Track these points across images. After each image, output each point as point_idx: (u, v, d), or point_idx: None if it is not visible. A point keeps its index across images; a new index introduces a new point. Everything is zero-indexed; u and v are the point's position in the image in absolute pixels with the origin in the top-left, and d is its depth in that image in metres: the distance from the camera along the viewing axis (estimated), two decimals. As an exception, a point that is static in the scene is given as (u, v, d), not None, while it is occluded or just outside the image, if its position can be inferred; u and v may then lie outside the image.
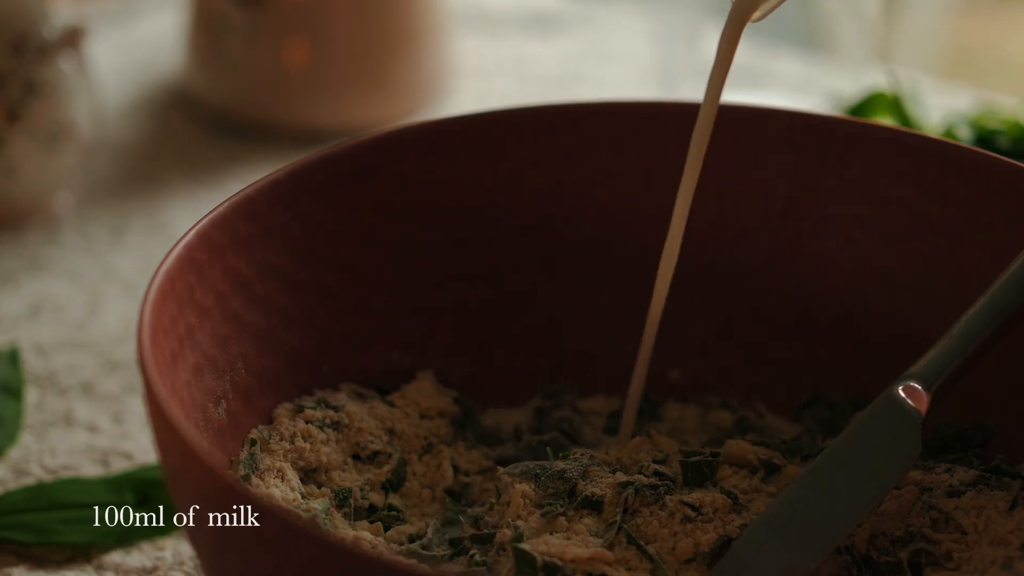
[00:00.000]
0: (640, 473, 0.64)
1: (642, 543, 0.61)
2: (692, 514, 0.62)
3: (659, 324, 0.68)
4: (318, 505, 0.63)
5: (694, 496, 0.63)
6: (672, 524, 0.62)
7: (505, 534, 0.61)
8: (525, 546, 0.59)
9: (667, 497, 0.63)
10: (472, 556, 0.62)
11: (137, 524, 0.71)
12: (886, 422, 0.62)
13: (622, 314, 0.73)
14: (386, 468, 0.67)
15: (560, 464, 0.64)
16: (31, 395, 0.81)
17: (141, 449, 0.77)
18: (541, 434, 0.70)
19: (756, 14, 0.63)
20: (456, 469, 0.68)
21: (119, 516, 0.71)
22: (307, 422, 0.66)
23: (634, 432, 0.70)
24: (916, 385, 0.62)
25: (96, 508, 0.72)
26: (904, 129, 0.71)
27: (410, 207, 0.71)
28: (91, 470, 0.75)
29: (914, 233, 0.69)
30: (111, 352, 0.84)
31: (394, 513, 0.65)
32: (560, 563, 0.59)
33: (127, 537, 0.71)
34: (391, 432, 0.68)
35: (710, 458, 0.64)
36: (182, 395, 0.61)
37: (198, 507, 0.56)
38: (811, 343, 0.71)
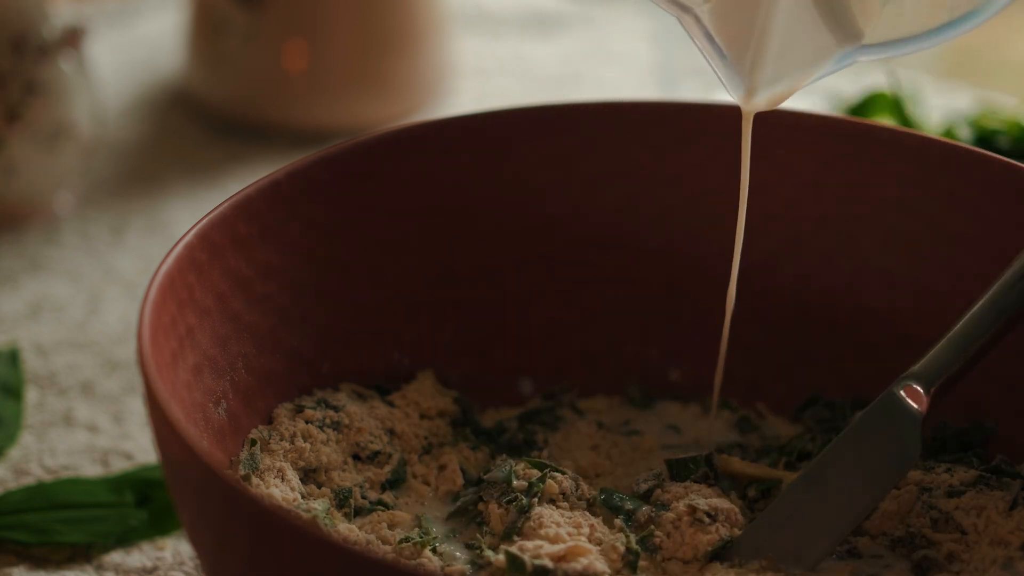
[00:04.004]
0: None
1: (633, 536, 0.62)
2: (692, 515, 0.62)
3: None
4: (318, 505, 0.63)
5: (696, 498, 0.63)
6: (681, 526, 0.62)
7: (491, 539, 0.62)
8: (514, 549, 0.60)
9: (666, 496, 0.64)
10: (473, 551, 0.62)
11: (137, 524, 0.71)
12: (886, 422, 0.62)
13: (622, 314, 0.73)
14: (386, 468, 0.67)
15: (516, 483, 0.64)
16: (31, 395, 0.81)
17: (141, 449, 0.77)
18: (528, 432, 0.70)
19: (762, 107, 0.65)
20: (464, 473, 0.68)
21: (119, 516, 0.71)
22: (307, 422, 0.66)
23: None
24: (916, 385, 0.62)
25: (96, 508, 0.72)
26: (904, 129, 0.71)
27: (410, 207, 0.71)
28: (91, 470, 0.75)
29: (914, 233, 0.69)
30: (111, 352, 0.84)
31: (380, 508, 0.65)
32: (551, 565, 0.59)
33: (127, 537, 0.71)
34: (391, 432, 0.68)
35: (696, 458, 0.65)
36: (182, 395, 0.61)
37: (198, 507, 0.56)
38: (811, 343, 0.71)
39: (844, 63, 0.63)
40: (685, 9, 0.63)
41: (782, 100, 0.64)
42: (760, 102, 0.64)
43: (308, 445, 0.65)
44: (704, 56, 0.64)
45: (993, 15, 0.61)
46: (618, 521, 0.63)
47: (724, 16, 0.63)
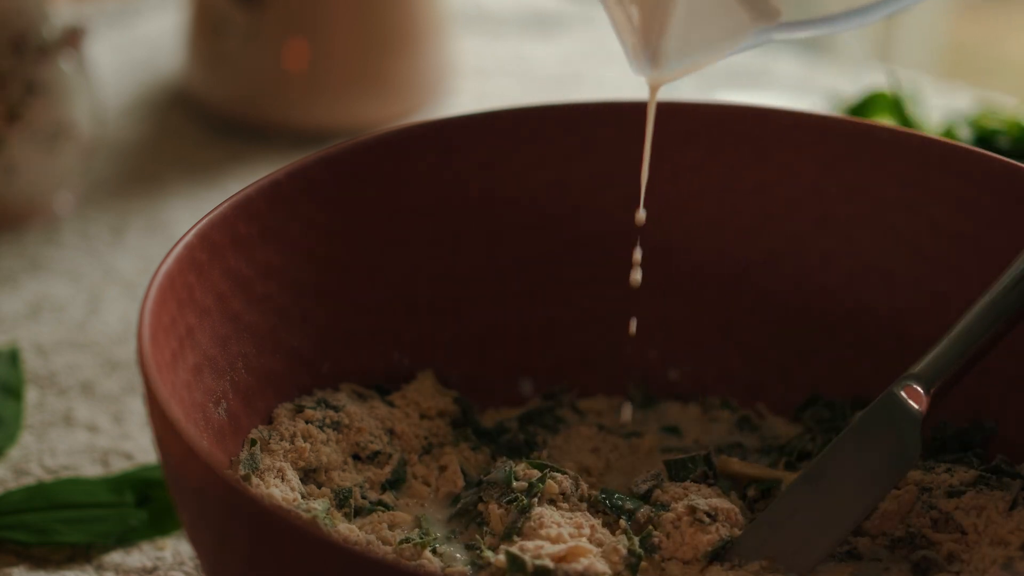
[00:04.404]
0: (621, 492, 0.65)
1: (634, 537, 0.62)
2: (692, 516, 0.62)
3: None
4: (318, 505, 0.63)
5: (696, 498, 0.63)
6: (681, 526, 0.62)
7: (491, 539, 0.62)
8: (514, 550, 0.60)
9: (666, 497, 0.64)
10: (473, 552, 0.62)
11: (137, 524, 0.71)
12: (886, 422, 0.62)
13: (622, 314, 0.73)
14: (387, 468, 0.67)
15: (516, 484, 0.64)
16: (31, 395, 0.81)
17: (141, 449, 0.77)
18: (528, 433, 0.70)
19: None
20: (465, 475, 0.67)
21: (119, 516, 0.71)
22: (307, 422, 0.66)
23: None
24: (916, 386, 0.62)
25: (96, 508, 0.72)
26: (904, 129, 0.71)
27: (410, 207, 0.71)
28: (91, 470, 0.75)
29: (914, 233, 0.69)
30: (111, 352, 0.84)
31: (381, 508, 0.65)
32: (552, 565, 0.59)
33: (127, 537, 0.71)
34: (391, 432, 0.68)
35: (695, 457, 0.65)
36: (182, 395, 0.61)
37: (198, 507, 0.56)
38: (811, 343, 0.71)
39: (759, 40, 0.62)
40: None
41: (688, 73, 0.64)
42: (665, 75, 0.64)
43: (308, 445, 0.65)
44: (613, 24, 0.63)
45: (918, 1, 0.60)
46: (622, 522, 0.63)
47: None
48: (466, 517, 0.65)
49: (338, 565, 0.51)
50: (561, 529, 0.61)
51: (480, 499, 0.65)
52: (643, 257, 0.72)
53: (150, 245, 0.93)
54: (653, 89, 0.65)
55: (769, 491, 0.65)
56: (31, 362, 0.83)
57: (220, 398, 0.64)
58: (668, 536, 0.62)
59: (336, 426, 0.67)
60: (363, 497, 0.65)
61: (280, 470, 0.64)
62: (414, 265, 0.71)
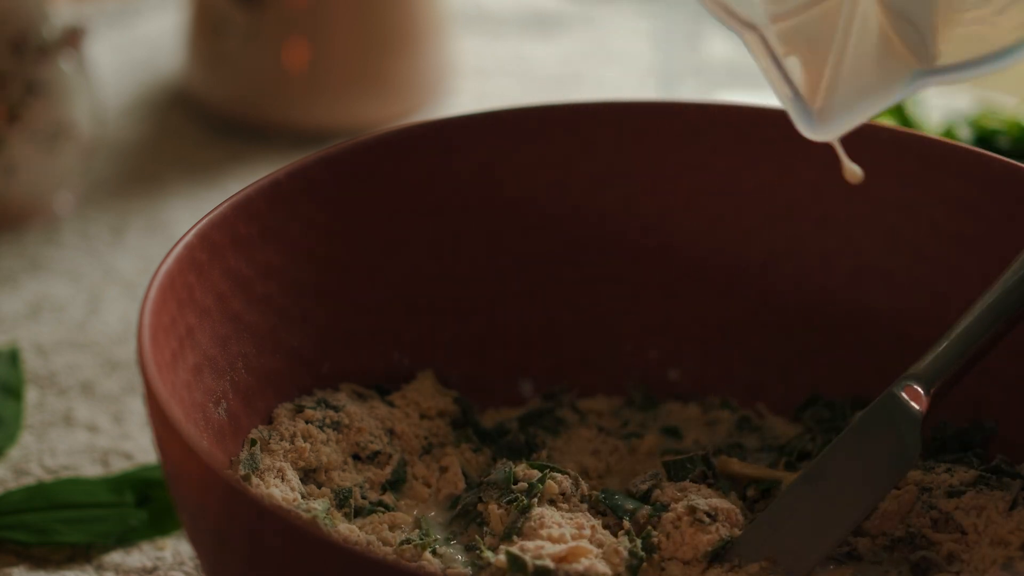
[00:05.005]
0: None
1: (635, 538, 0.61)
2: (692, 516, 0.62)
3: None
4: (318, 505, 0.63)
5: (695, 498, 0.63)
6: (681, 526, 0.62)
7: (491, 540, 0.62)
8: (515, 550, 0.60)
9: (665, 497, 0.64)
10: (474, 553, 0.62)
11: (137, 524, 0.71)
12: (886, 422, 0.62)
13: (622, 314, 0.73)
14: (387, 468, 0.67)
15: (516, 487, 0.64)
16: (31, 395, 0.81)
17: (141, 449, 0.77)
18: (527, 433, 0.70)
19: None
20: (466, 476, 0.67)
21: (119, 516, 0.71)
22: (307, 422, 0.66)
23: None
24: (916, 386, 0.62)
25: (96, 508, 0.72)
26: (904, 129, 0.71)
27: (409, 207, 0.71)
28: (91, 470, 0.75)
29: (914, 233, 0.69)
30: (111, 352, 0.84)
31: (381, 509, 0.65)
32: (552, 565, 0.59)
33: (127, 537, 0.71)
34: (391, 432, 0.68)
35: (693, 458, 0.65)
36: (182, 395, 0.61)
37: (198, 507, 0.56)
38: (811, 343, 0.71)
39: (916, 87, 0.59)
40: (749, 27, 0.58)
41: (855, 126, 0.60)
42: (832, 131, 0.60)
43: (308, 445, 0.65)
44: (768, 79, 0.59)
45: None
46: (625, 523, 0.63)
47: (794, 38, 0.58)
48: (466, 518, 0.65)
49: (338, 565, 0.51)
50: (562, 529, 0.61)
51: (480, 499, 0.65)
52: (642, 257, 0.72)
53: (150, 245, 0.93)
54: (832, 143, 0.61)
55: (769, 491, 0.65)
56: (31, 362, 0.83)
57: (220, 398, 0.64)
58: (668, 536, 0.62)
59: (336, 426, 0.67)
60: (363, 497, 0.65)
61: (280, 470, 0.64)
62: (414, 265, 0.71)
